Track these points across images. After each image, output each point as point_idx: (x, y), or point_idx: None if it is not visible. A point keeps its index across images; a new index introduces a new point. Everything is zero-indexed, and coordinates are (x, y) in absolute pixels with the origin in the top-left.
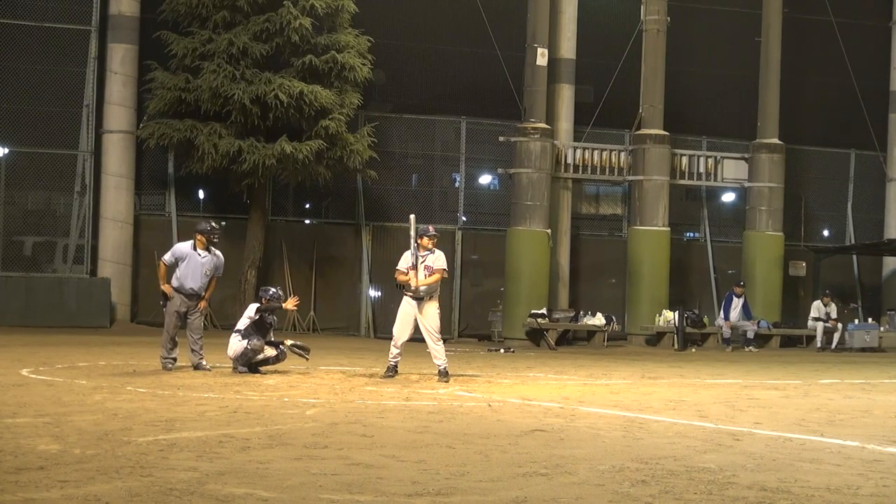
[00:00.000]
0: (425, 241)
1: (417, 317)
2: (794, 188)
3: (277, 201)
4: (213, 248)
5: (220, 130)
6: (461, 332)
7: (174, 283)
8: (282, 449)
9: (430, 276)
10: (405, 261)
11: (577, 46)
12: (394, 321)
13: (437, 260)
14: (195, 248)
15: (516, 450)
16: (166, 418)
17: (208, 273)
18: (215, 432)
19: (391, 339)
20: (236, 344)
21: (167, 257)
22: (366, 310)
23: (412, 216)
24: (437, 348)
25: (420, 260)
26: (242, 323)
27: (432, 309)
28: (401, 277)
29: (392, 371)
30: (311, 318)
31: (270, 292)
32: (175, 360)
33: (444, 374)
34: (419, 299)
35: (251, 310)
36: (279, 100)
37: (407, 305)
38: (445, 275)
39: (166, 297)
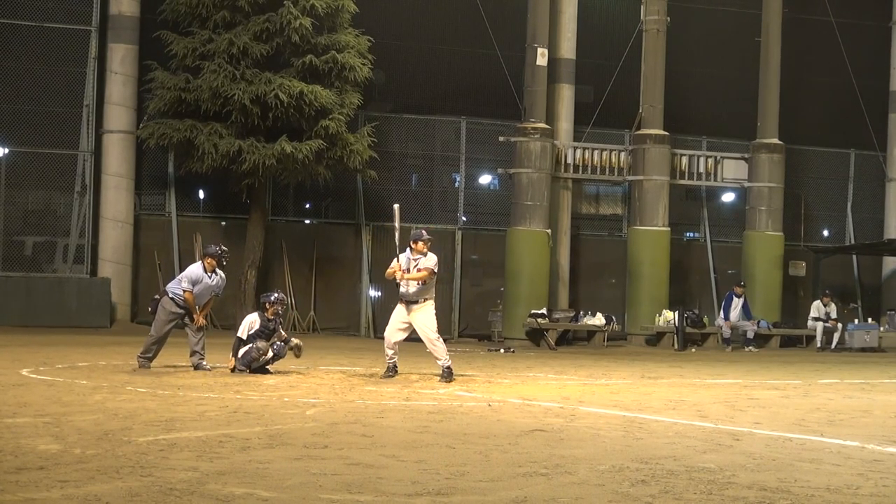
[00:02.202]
0: (420, 245)
1: (412, 321)
2: (794, 188)
3: (277, 201)
4: (218, 270)
5: (220, 130)
6: (461, 332)
7: (180, 301)
8: (282, 449)
9: (422, 283)
10: (401, 262)
11: (577, 46)
12: None
13: (427, 261)
14: (205, 270)
15: (516, 450)
16: (166, 418)
17: (212, 293)
18: (215, 432)
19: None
20: (241, 348)
21: (187, 286)
22: (366, 310)
23: (396, 206)
24: (437, 348)
25: (413, 263)
26: (244, 332)
27: (425, 311)
28: (388, 272)
29: (392, 371)
30: (311, 318)
31: (273, 297)
32: (151, 359)
33: (447, 373)
34: (412, 302)
35: (252, 322)
36: (279, 100)
37: (401, 309)
38: (433, 275)
39: (157, 305)
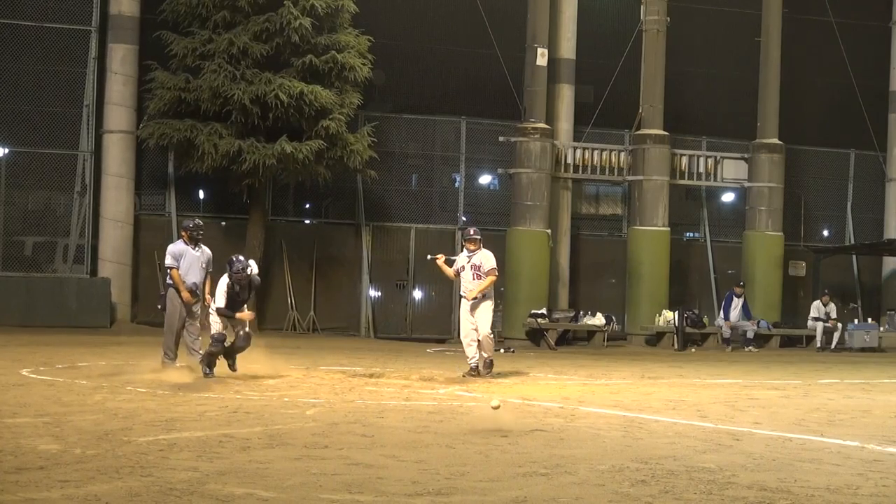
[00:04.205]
0: (471, 244)
1: (474, 314)
2: (794, 188)
3: (277, 201)
4: (200, 244)
5: (220, 130)
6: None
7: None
8: (282, 449)
9: (478, 278)
10: (458, 261)
11: (577, 46)
12: (394, 321)
13: (486, 261)
14: (186, 243)
15: (516, 450)
16: (166, 418)
17: (204, 266)
18: (215, 432)
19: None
20: (216, 323)
21: (171, 261)
22: (366, 310)
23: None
24: (489, 344)
25: (467, 260)
26: (218, 298)
27: (485, 308)
28: (448, 273)
29: (473, 371)
30: (311, 318)
31: (235, 267)
32: (174, 358)
33: (488, 365)
34: (472, 299)
35: (225, 289)
36: (279, 100)
37: (466, 307)
38: (496, 275)
39: (165, 299)
